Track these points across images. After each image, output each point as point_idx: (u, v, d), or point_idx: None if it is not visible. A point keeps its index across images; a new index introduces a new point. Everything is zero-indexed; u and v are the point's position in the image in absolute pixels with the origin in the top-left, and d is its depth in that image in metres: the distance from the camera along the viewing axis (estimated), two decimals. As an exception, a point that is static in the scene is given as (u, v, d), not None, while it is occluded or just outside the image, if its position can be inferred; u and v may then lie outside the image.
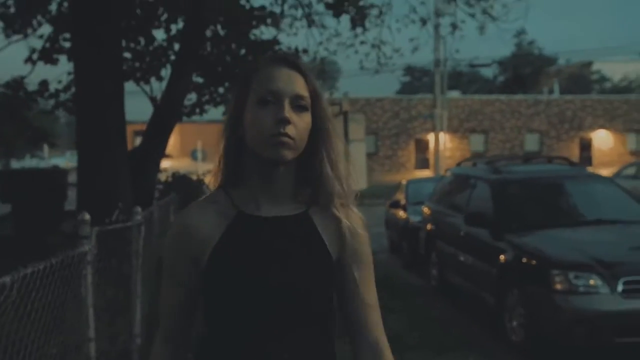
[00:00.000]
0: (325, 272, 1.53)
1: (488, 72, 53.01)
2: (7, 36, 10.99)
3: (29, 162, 34.99)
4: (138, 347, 5.22)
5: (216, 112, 13.59)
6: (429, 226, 9.17)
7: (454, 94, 37.08)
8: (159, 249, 7.34)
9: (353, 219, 1.58)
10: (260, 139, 1.46)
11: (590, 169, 9.53)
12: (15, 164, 24.38)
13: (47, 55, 10.59)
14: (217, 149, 1.59)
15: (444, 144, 28.17)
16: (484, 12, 11.87)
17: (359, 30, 11.66)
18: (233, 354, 1.51)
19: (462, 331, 6.76)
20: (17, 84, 10.44)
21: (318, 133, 1.53)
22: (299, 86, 1.50)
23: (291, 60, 1.53)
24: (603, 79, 51.64)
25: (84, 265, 4.04)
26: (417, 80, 56.45)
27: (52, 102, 11.40)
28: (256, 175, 1.53)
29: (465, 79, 51.37)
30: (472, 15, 11.93)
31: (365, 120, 33.01)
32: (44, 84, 10.76)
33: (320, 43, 12.36)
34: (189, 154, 45.93)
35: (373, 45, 12.38)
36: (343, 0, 10.17)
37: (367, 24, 11.36)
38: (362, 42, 12.23)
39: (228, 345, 1.51)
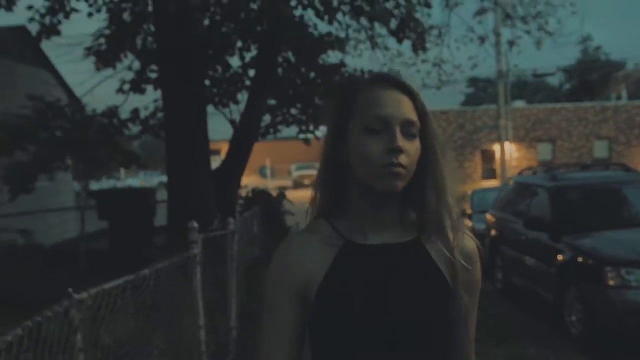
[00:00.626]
0: (444, 302, 1.39)
1: (554, 80, 52.40)
2: (98, 69, 12.15)
3: (106, 184, 36.57)
4: (234, 339, 6.04)
5: (287, 131, 14.40)
6: (493, 232, 9.72)
7: (519, 104, 36.99)
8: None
9: (467, 245, 1.46)
10: (371, 169, 1.35)
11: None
12: (94, 185, 25.73)
13: (137, 86, 11.74)
14: (316, 175, 1.48)
15: (510, 154, 28.31)
16: (540, 28, 12.33)
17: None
18: None
19: (525, 327, 7.29)
20: (111, 112, 11.59)
21: (427, 158, 1.40)
22: (409, 111, 1.38)
23: (397, 80, 1.40)
24: (675, 82, 50.32)
25: (195, 266, 4.88)
26: (481, 91, 56.23)
27: (139, 127, 12.51)
28: (362, 203, 1.41)
29: (530, 88, 50.95)
30: (528, 32, 12.39)
31: (431, 133, 33.31)
32: (135, 112, 11.91)
33: (385, 64, 12.94)
34: (258, 171, 47.26)
35: (434, 64, 13.02)
36: (405, 27, 10.83)
37: (427, 45, 12.00)
38: (423, 61, 12.85)
39: None
